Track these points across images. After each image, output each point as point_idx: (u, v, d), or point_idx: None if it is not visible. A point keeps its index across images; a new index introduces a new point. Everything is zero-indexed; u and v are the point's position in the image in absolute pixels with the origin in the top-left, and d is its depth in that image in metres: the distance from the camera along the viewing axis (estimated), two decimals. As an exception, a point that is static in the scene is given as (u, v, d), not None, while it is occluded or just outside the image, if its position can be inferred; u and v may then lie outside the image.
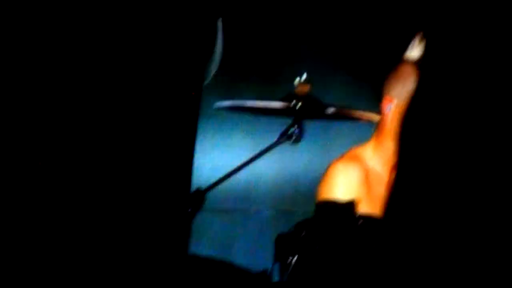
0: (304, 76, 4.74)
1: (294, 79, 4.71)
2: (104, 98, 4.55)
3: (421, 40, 4.83)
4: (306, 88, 4.72)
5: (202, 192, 4.61)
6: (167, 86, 4.62)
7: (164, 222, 4.50)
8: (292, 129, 4.73)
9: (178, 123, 4.57)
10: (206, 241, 4.87)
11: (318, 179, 4.99)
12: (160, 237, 4.48)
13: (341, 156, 4.87)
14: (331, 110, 4.77)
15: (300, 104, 4.73)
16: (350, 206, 4.88)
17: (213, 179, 4.67)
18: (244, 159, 4.68)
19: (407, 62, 4.88)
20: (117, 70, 4.57)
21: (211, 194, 4.67)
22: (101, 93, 4.56)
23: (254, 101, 4.84)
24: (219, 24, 4.75)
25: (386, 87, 4.92)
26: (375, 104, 4.86)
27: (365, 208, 4.89)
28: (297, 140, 4.71)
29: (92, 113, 4.53)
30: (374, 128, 4.91)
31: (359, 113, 4.85)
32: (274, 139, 4.71)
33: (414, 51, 4.83)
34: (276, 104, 4.85)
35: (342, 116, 4.86)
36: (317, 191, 4.82)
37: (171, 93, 4.59)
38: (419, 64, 4.86)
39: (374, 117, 4.88)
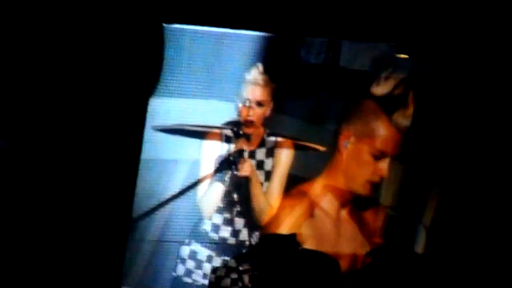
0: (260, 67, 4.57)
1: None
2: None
3: (387, 78, 4.64)
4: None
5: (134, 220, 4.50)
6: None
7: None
8: (233, 157, 4.53)
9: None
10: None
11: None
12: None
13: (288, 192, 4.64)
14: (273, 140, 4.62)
15: (243, 130, 4.53)
16: (292, 239, 4.68)
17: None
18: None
19: (371, 98, 4.66)
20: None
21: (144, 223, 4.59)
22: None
23: (195, 124, 4.61)
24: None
25: (345, 121, 4.69)
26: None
27: (311, 244, 4.68)
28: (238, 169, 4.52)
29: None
30: (325, 164, 4.69)
31: (306, 143, 4.64)
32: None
33: (380, 88, 4.64)
34: (218, 130, 4.66)
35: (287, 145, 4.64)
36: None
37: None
38: (383, 101, 4.66)
39: (321, 148, 4.67)
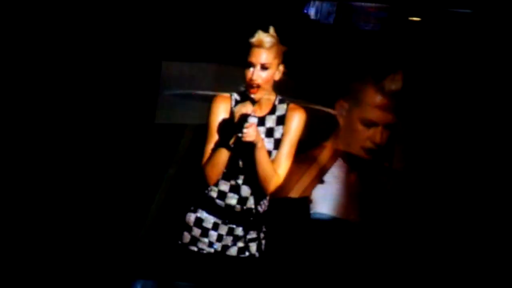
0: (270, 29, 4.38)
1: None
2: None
3: (397, 77, 4.58)
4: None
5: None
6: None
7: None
8: (238, 121, 4.38)
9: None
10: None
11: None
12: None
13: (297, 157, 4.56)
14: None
15: (248, 94, 4.38)
16: (302, 203, 4.68)
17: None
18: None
19: (380, 88, 4.61)
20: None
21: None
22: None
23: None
24: None
25: (346, 92, 4.63)
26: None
27: (321, 209, 4.68)
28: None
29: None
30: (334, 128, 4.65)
31: (318, 107, 4.56)
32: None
33: (392, 84, 4.58)
34: (227, 94, 4.49)
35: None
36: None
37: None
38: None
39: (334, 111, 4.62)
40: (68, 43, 4.78)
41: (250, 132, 4.32)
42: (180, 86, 4.99)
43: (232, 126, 4.36)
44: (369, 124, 4.73)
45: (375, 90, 4.69)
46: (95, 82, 4.71)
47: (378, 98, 4.70)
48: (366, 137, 4.68)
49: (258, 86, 4.37)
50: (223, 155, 4.39)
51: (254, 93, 4.38)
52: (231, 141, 4.37)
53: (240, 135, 4.32)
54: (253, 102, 4.40)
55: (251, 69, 4.36)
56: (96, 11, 4.80)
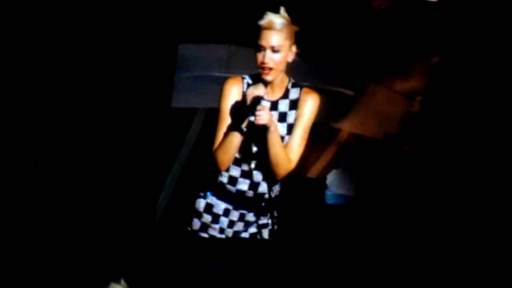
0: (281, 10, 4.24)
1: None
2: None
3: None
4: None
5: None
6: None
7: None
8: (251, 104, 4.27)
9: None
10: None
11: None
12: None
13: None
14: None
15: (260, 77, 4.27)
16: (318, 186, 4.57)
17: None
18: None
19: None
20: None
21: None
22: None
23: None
24: None
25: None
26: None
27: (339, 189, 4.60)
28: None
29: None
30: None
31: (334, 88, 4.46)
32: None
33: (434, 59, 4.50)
34: (239, 77, 4.39)
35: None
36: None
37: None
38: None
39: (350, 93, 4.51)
40: (83, 27, 4.75)
41: (263, 115, 4.20)
42: (196, 68, 4.89)
43: (245, 109, 4.25)
44: (411, 95, 4.64)
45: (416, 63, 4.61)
46: (110, 67, 4.66)
47: (419, 70, 4.62)
48: (407, 108, 4.58)
49: (271, 69, 4.25)
50: (236, 139, 4.28)
51: (267, 75, 4.26)
52: (244, 125, 4.26)
53: (252, 118, 4.21)
54: (266, 84, 4.28)
55: (262, 52, 4.23)
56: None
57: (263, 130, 4.25)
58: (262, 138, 4.27)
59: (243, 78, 4.39)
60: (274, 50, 4.23)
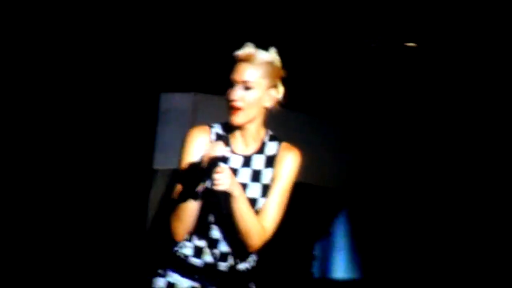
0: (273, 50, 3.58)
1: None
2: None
3: None
4: None
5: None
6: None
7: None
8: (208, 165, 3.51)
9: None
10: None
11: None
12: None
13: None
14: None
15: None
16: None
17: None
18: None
19: None
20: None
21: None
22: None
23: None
24: None
25: None
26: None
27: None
28: None
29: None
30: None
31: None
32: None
33: None
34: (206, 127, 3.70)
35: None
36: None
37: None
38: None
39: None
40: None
41: (222, 179, 3.45)
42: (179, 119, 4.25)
43: (201, 170, 3.48)
44: None
45: None
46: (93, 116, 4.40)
47: None
48: None
49: (239, 109, 3.54)
50: (190, 206, 3.54)
51: (234, 115, 3.55)
52: (199, 190, 3.50)
53: (209, 182, 3.45)
54: (226, 139, 3.56)
55: (233, 88, 3.54)
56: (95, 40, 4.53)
57: (225, 196, 3.49)
58: (223, 205, 3.53)
59: (210, 127, 3.66)
60: (247, 87, 3.54)
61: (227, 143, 3.54)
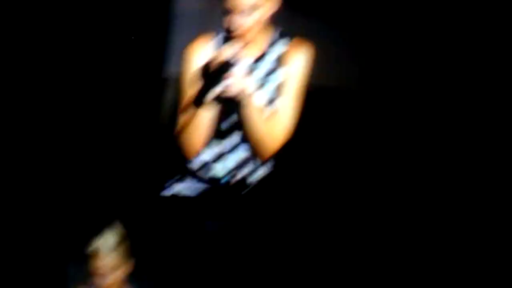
0: None
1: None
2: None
3: None
4: None
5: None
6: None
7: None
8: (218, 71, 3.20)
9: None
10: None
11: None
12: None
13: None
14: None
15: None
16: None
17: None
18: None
19: None
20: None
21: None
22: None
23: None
24: None
25: None
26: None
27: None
28: None
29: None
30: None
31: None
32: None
33: None
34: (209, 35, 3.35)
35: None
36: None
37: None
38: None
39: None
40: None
41: (234, 85, 3.17)
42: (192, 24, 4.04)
43: (210, 77, 3.20)
44: None
45: None
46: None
47: None
48: None
49: (243, 35, 3.23)
50: (202, 118, 3.24)
51: (239, 39, 3.24)
52: (210, 98, 3.21)
53: (219, 89, 3.18)
54: (238, 43, 3.23)
55: (228, 16, 3.19)
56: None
57: (236, 103, 3.22)
58: (236, 112, 3.27)
59: (214, 33, 3.34)
60: (246, 13, 3.20)
61: (234, 46, 3.20)
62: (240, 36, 3.22)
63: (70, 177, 4.10)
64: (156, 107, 4.00)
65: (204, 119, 3.23)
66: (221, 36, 3.33)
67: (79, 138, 4.09)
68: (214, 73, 3.16)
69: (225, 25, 3.22)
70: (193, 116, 3.23)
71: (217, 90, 3.17)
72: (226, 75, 3.15)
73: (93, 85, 4.12)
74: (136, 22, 4.06)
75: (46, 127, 4.14)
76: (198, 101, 3.22)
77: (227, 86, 3.15)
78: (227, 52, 3.16)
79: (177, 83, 3.38)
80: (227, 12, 3.18)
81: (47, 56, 4.16)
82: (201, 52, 3.30)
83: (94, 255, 3.34)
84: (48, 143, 4.12)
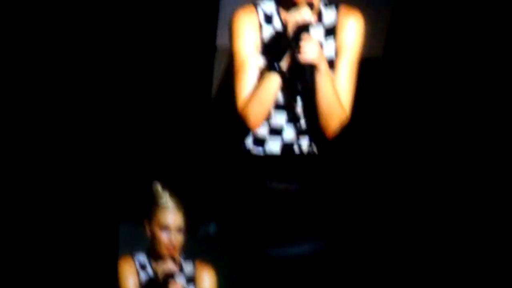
0: None
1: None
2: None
3: None
4: None
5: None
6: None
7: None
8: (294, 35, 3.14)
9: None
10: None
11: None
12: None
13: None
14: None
15: None
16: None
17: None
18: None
19: None
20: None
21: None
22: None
23: None
24: None
25: None
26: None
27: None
28: None
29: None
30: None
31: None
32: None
33: None
34: None
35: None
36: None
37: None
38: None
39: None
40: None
41: (311, 48, 3.08)
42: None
43: (283, 42, 3.13)
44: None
45: None
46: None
47: None
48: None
49: None
50: (272, 85, 3.16)
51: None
52: (283, 64, 3.13)
53: (296, 54, 3.09)
54: (311, 5, 3.14)
55: None
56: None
57: (310, 69, 3.14)
58: (308, 80, 3.17)
59: (256, 6, 3.27)
60: None
61: (311, 8, 3.12)
62: None
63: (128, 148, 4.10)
64: (208, 78, 3.94)
65: (273, 86, 3.16)
66: (263, 7, 3.25)
67: (135, 111, 4.06)
68: (292, 35, 3.10)
69: None
70: (262, 83, 3.18)
71: (291, 56, 3.11)
72: (304, 37, 3.08)
73: (143, 61, 4.08)
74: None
75: (102, 97, 4.12)
76: (269, 69, 3.16)
77: (303, 50, 3.08)
78: (307, 12, 3.10)
79: (232, 57, 3.33)
80: None
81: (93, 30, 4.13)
82: (250, 22, 3.24)
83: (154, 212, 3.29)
84: (106, 111, 4.10)
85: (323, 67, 3.12)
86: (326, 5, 3.24)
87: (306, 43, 3.07)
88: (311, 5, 3.11)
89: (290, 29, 3.12)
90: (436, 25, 4.16)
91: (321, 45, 3.19)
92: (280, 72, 3.14)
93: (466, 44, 4.10)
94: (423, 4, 4.00)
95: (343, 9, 3.24)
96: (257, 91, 3.17)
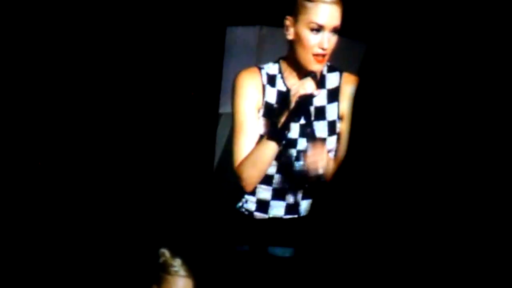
0: None
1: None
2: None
3: None
4: None
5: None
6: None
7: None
8: None
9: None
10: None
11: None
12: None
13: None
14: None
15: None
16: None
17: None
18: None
19: None
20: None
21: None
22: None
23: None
24: None
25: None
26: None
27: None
28: None
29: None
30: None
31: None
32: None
33: None
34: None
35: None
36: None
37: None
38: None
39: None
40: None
41: (318, 161, 3.16)
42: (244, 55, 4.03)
43: (285, 108, 3.20)
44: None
45: None
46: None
47: None
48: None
49: (324, 56, 3.20)
50: (269, 151, 3.20)
51: (320, 63, 3.21)
52: (285, 132, 3.20)
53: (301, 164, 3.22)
54: (314, 77, 3.19)
55: (320, 34, 3.17)
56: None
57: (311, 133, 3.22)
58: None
59: (259, 69, 3.32)
60: (335, 30, 3.20)
61: (314, 79, 3.19)
62: (321, 59, 3.19)
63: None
64: (210, 142, 3.98)
65: (268, 154, 3.20)
66: (266, 70, 3.31)
67: (139, 178, 4.10)
68: (295, 105, 3.16)
69: (307, 43, 3.19)
70: (256, 148, 3.22)
71: (297, 164, 3.21)
72: (310, 151, 3.16)
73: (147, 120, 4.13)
74: (189, 57, 4.05)
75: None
76: (268, 133, 3.21)
77: (312, 161, 3.14)
78: (310, 84, 3.16)
79: (232, 117, 3.36)
80: (315, 30, 3.17)
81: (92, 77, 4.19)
82: (253, 85, 3.29)
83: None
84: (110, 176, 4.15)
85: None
86: (329, 70, 3.30)
87: (315, 155, 3.15)
88: (314, 76, 3.18)
89: (293, 97, 3.17)
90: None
91: (322, 110, 3.26)
92: (279, 138, 3.19)
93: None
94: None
95: (345, 75, 3.30)
96: (254, 153, 3.21)
